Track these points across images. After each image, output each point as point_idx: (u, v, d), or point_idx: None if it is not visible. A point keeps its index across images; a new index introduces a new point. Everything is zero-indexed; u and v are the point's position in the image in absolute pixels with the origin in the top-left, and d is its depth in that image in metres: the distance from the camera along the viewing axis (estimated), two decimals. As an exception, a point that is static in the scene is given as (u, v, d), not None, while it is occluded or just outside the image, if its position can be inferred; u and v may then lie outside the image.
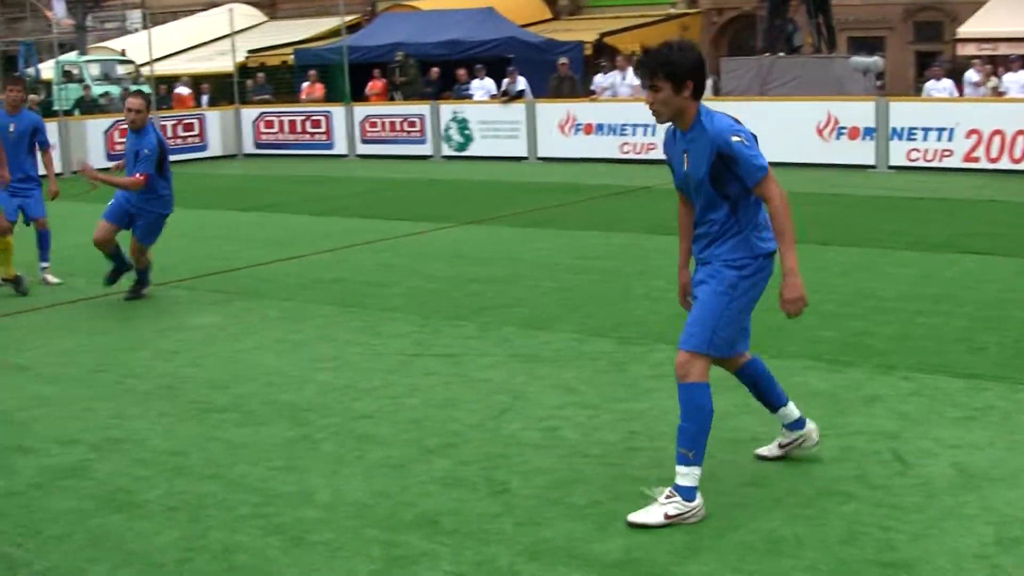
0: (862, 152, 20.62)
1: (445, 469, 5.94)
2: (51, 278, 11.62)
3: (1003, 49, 29.62)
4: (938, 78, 22.50)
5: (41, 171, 12.03)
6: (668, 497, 5.15)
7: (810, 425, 5.92)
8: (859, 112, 20.73)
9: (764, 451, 6.00)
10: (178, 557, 4.96)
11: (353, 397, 7.30)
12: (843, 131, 20.79)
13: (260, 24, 44.00)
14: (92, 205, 12.09)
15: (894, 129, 20.37)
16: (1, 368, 8.32)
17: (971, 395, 7.00)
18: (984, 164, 19.59)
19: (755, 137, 5.24)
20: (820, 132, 20.96)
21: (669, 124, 5.37)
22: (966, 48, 32.22)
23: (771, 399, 5.86)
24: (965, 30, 32.68)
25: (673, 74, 5.12)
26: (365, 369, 7.98)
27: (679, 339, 5.36)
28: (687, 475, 5.20)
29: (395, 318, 9.51)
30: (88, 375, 8.10)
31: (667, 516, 5.11)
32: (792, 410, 5.85)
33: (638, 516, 5.14)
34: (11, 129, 11.61)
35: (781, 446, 5.93)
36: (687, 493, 5.17)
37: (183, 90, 31.28)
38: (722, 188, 5.22)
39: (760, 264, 5.35)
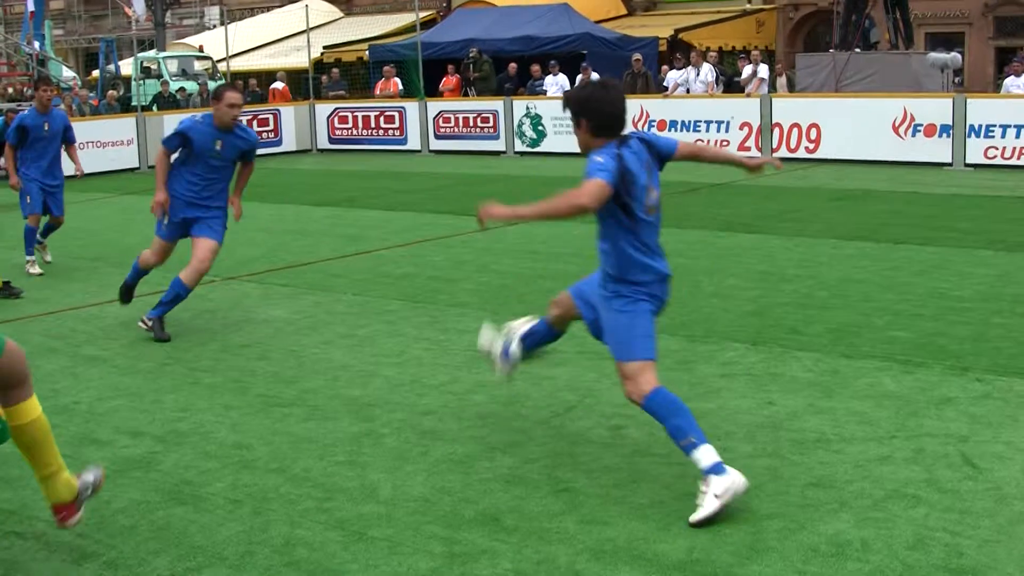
0: (938, 149, 20.32)
1: (509, 466, 5.93)
2: (33, 270, 12.29)
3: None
4: (1018, 74, 22.09)
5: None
6: (706, 484, 5.12)
7: None
8: (935, 109, 20.44)
9: None
10: (240, 550, 4.98)
11: (418, 393, 7.31)
12: (919, 128, 20.50)
13: (336, 20, 44.28)
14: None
15: (971, 126, 20.06)
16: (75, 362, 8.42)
17: None
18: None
19: (615, 162, 5.35)
20: (896, 129, 20.69)
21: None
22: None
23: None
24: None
25: (574, 112, 5.51)
26: (431, 365, 7.98)
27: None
28: (703, 456, 5.19)
29: (464, 314, 9.51)
30: (158, 367, 8.18)
31: (716, 496, 5.08)
32: None
33: (697, 515, 5.10)
34: (45, 128, 12.23)
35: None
36: (716, 469, 5.15)
37: (278, 85, 31.45)
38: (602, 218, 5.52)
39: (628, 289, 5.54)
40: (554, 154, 24.28)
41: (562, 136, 24.34)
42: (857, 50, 26.10)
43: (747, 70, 24.94)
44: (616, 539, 4.97)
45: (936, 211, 14.99)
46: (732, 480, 5.14)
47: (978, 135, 20.05)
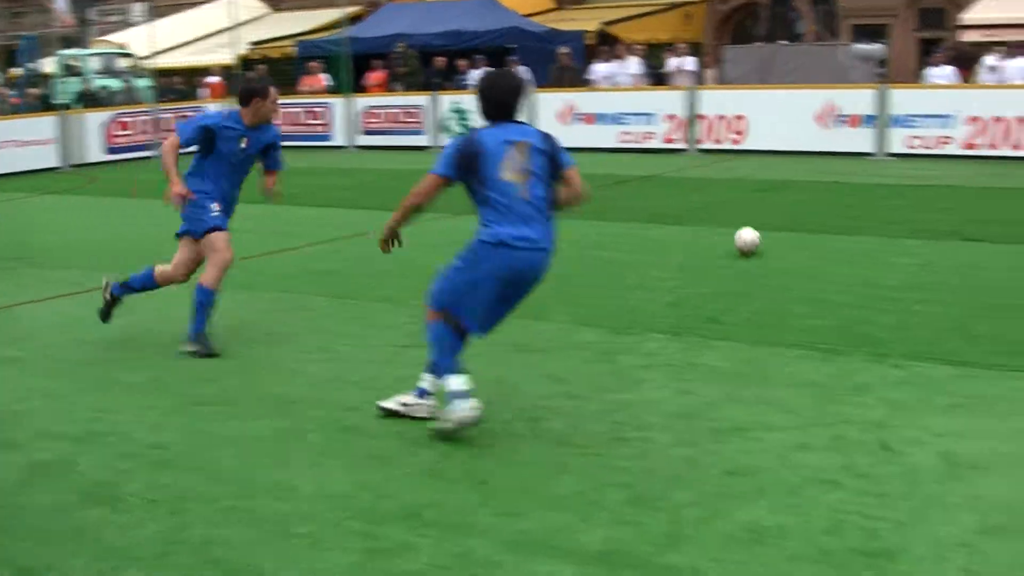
0: (862, 140, 20.56)
1: (429, 461, 5.91)
2: None
3: (1006, 35, 29.47)
4: (940, 65, 22.39)
5: None
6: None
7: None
8: (859, 100, 20.67)
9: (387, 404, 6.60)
10: (158, 551, 4.93)
11: (340, 389, 7.27)
12: (843, 119, 20.73)
13: (263, 16, 43.87)
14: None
15: (894, 116, 20.30)
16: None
17: (961, 383, 6.97)
18: (984, 151, 19.55)
19: (456, 149, 6.15)
20: (820, 120, 20.89)
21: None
22: (969, 35, 32.08)
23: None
24: (968, 17, 32.53)
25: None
26: (354, 361, 7.95)
27: None
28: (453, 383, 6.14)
29: (388, 309, 9.48)
30: (76, 368, 8.06)
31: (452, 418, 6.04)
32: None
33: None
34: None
35: (404, 404, 6.53)
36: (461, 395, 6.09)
37: (213, 79, 31.06)
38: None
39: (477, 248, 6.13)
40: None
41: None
42: (784, 42, 26.30)
43: (673, 63, 25.06)
44: (534, 531, 4.97)
45: (859, 201, 15.14)
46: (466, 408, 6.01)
47: (901, 125, 20.30)
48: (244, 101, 8.39)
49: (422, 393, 6.51)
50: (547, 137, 6.19)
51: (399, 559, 4.75)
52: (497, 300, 6.13)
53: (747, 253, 11.03)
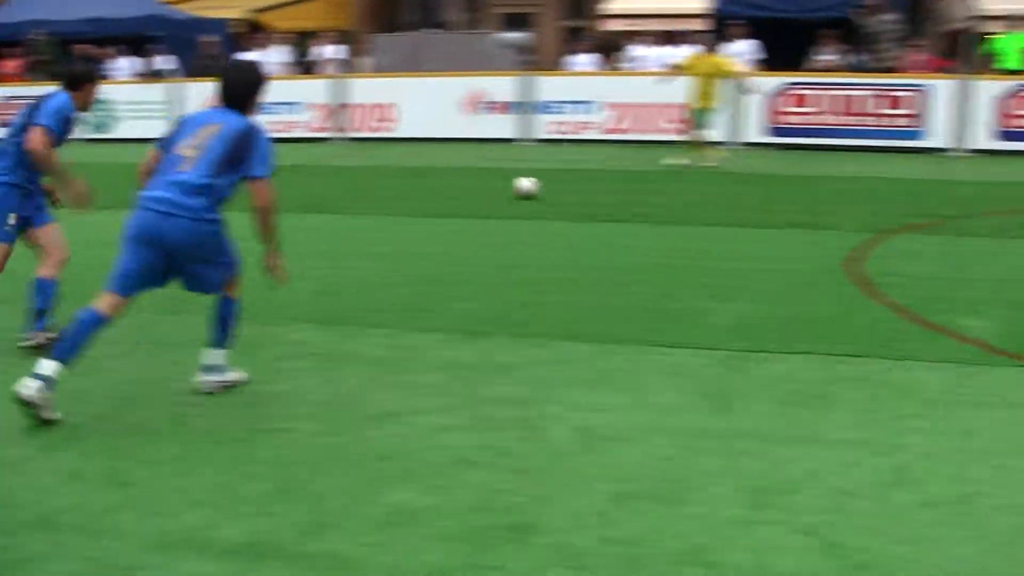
0: (508, 126, 21.08)
1: (67, 463, 5.65)
2: None
3: (648, 25, 30.81)
4: (581, 53, 23.21)
5: None
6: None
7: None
8: (505, 87, 21.17)
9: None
10: None
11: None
12: (490, 105, 21.19)
13: None
14: None
15: (538, 103, 20.91)
16: None
17: (599, 360, 7.23)
18: (624, 135, 20.42)
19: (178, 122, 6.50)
20: (467, 107, 21.28)
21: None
22: (612, 24, 33.37)
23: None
24: (611, 6, 33.82)
25: None
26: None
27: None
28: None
29: None
30: None
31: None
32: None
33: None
34: None
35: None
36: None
37: None
38: None
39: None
40: (128, 140, 23.42)
41: (135, 121, 23.57)
42: (431, 31, 26.62)
43: (321, 51, 24.97)
44: (177, 530, 4.83)
45: (506, 185, 15.50)
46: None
47: (545, 112, 20.92)
48: None
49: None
50: (247, 135, 6.30)
51: (33, 568, 4.53)
52: (134, 261, 6.20)
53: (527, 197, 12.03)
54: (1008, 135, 18.95)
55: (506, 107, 21.13)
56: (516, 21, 35.91)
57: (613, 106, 20.62)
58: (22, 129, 7.61)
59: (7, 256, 7.66)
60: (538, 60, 31.73)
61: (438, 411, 6.29)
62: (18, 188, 7.62)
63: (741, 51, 21.48)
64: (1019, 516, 4.97)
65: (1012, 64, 20.54)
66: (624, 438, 5.84)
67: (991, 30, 22.69)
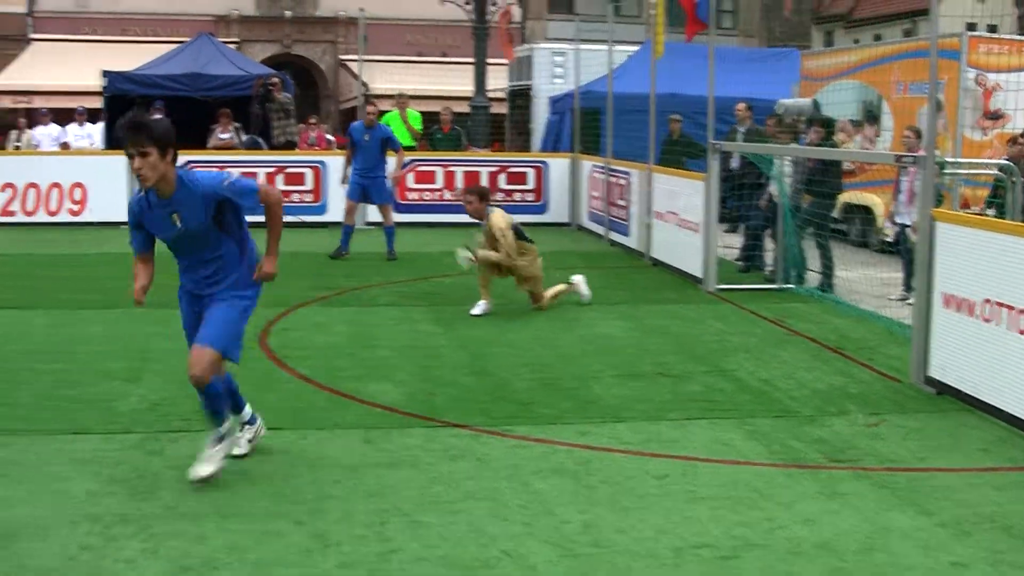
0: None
1: None
2: None
3: (36, 102, 29.82)
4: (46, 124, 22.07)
5: None
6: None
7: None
8: None
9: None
10: None
11: None
12: None
13: None
14: None
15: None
16: None
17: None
18: (21, 217, 19.55)
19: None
20: None
21: (139, 195, 6.28)
22: (2, 100, 32.10)
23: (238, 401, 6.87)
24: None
25: (160, 141, 6.02)
26: None
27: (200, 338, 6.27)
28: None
29: None
30: None
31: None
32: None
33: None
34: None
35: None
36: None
37: None
38: (227, 228, 6.35)
39: (257, 291, 6.61)
40: None
41: None
42: None
43: None
44: None
45: None
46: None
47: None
48: None
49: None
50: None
51: None
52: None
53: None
54: (400, 208, 19.99)
55: None
56: None
57: (7, 186, 19.66)
58: None
59: None
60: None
61: None
62: None
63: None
64: (435, 567, 5.24)
65: (402, 140, 21.67)
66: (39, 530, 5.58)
67: (382, 108, 23.88)
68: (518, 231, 11.77)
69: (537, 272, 11.90)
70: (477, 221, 12.06)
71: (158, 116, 21.31)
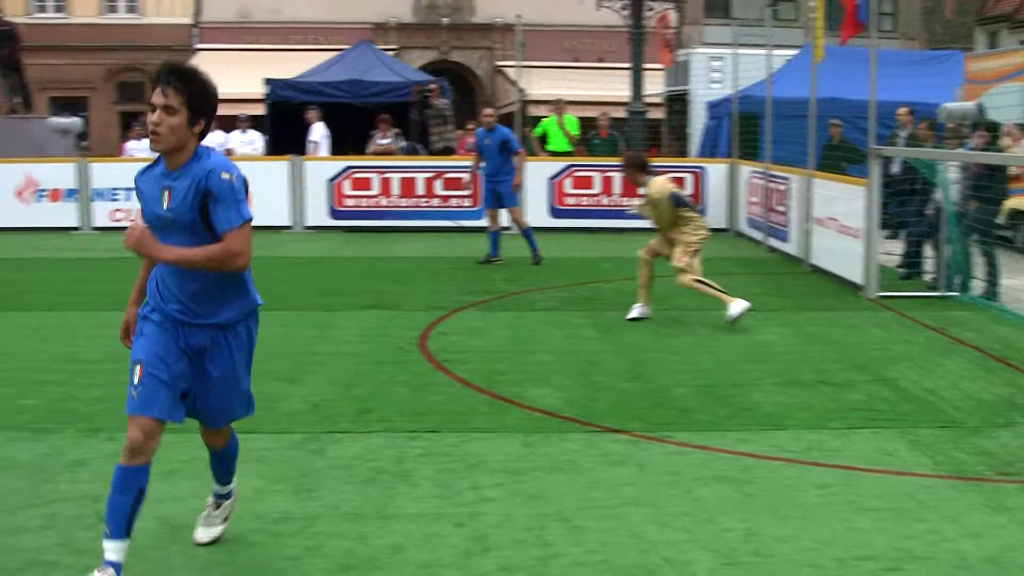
0: (64, 214, 20.33)
1: None
2: None
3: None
4: (139, 138, 22.74)
5: None
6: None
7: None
8: (59, 174, 20.43)
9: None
10: None
11: None
12: (44, 193, 20.37)
13: None
14: None
15: (96, 190, 20.31)
16: None
17: (173, 450, 7.03)
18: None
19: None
20: (20, 195, 20.37)
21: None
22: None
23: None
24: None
25: (194, 102, 4.98)
26: None
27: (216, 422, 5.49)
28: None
29: None
30: None
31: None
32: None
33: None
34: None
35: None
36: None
37: None
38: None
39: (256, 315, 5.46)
40: None
41: None
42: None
43: None
44: None
45: (61, 276, 14.94)
46: None
47: (103, 198, 20.32)
48: None
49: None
50: None
51: None
52: None
53: None
54: (558, 213, 20.08)
55: (62, 194, 20.36)
56: (69, 105, 34.81)
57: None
58: None
59: None
60: (94, 145, 30.90)
61: (3, 513, 5.95)
62: None
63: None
64: (595, 572, 5.24)
65: (559, 146, 21.74)
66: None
67: (539, 114, 23.98)
68: (679, 198, 11.67)
69: (691, 238, 11.55)
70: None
71: (312, 116, 21.94)
